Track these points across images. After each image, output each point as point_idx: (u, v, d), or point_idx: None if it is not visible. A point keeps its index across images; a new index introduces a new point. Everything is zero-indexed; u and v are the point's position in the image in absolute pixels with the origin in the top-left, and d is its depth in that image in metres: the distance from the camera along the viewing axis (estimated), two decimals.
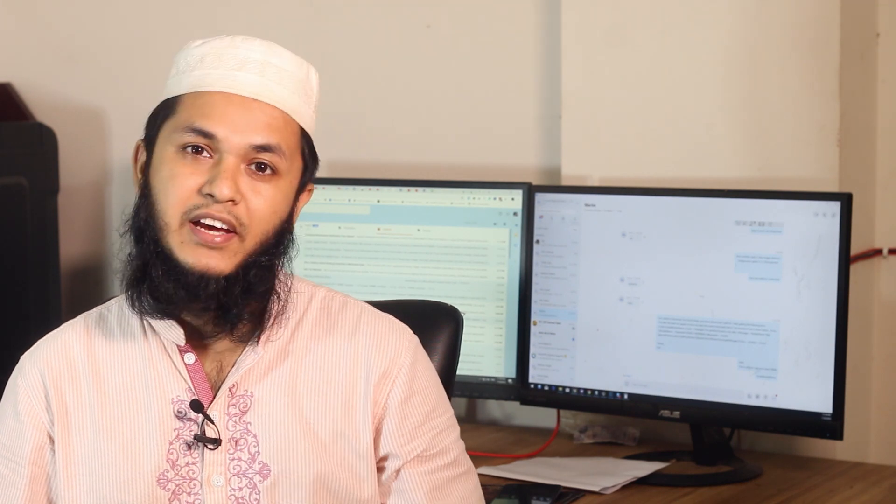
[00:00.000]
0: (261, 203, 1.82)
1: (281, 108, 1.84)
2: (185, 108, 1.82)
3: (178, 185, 1.80)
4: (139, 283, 1.82)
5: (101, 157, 3.67)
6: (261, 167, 1.82)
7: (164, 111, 1.85)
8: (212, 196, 1.78)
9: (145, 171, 1.85)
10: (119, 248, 1.86)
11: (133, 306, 1.84)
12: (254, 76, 1.83)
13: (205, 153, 1.81)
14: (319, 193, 3.10)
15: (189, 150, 1.81)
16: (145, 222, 1.82)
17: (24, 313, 3.41)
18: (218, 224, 1.79)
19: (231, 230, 1.80)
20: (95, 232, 3.70)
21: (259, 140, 1.81)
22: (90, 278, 3.70)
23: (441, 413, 1.94)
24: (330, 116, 3.32)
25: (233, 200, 1.79)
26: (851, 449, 2.87)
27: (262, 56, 1.84)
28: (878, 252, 2.94)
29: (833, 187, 2.81)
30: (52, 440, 1.89)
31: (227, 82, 1.82)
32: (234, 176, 1.80)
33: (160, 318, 1.85)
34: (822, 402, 2.63)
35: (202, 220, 1.79)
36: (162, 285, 1.80)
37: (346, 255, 3.09)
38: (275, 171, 1.83)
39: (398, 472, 1.90)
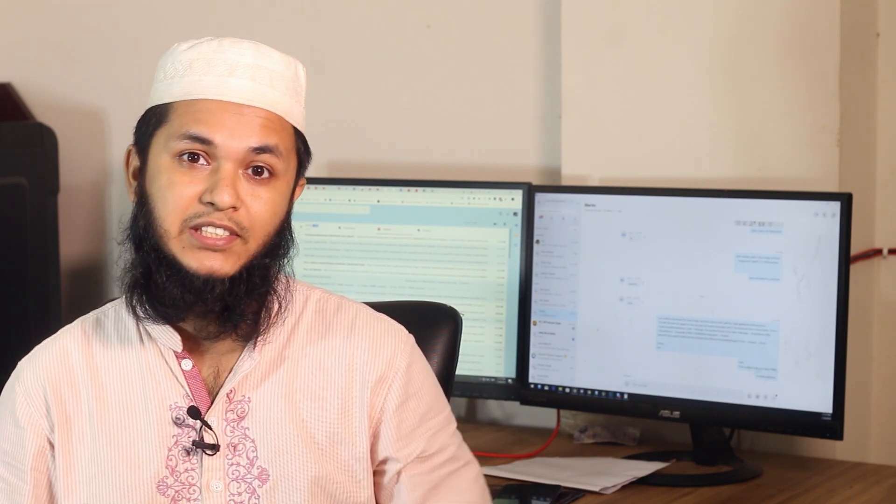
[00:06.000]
0: (261, 207, 1.82)
1: (274, 111, 1.84)
2: (178, 116, 1.82)
3: (177, 193, 1.80)
4: (141, 289, 1.83)
5: (101, 157, 3.67)
6: (258, 171, 1.82)
7: (156, 118, 1.84)
8: (212, 204, 1.78)
9: (140, 178, 1.86)
10: (118, 256, 1.86)
11: (134, 312, 1.85)
12: (245, 81, 1.83)
13: (201, 160, 1.81)
14: (319, 193, 3.10)
15: (185, 157, 1.81)
16: (144, 230, 1.82)
17: (24, 313, 3.41)
18: (220, 232, 1.80)
19: (233, 233, 1.80)
20: (95, 232, 3.70)
21: (256, 142, 1.81)
22: (90, 278, 3.70)
23: (437, 413, 1.94)
24: (330, 116, 3.35)
25: (234, 207, 1.79)
26: (851, 449, 2.87)
27: (252, 59, 1.84)
28: (878, 252, 2.94)
29: (833, 187, 2.81)
30: (52, 446, 1.89)
31: (220, 89, 1.82)
32: (234, 183, 1.80)
33: (162, 324, 1.85)
34: (822, 402, 2.63)
35: (203, 228, 1.79)
36: (168, 290, 1.80)
37: (346, 255, 3.09)
38: (272, 173, 1.83)
39: (399, 474, 1.91)
